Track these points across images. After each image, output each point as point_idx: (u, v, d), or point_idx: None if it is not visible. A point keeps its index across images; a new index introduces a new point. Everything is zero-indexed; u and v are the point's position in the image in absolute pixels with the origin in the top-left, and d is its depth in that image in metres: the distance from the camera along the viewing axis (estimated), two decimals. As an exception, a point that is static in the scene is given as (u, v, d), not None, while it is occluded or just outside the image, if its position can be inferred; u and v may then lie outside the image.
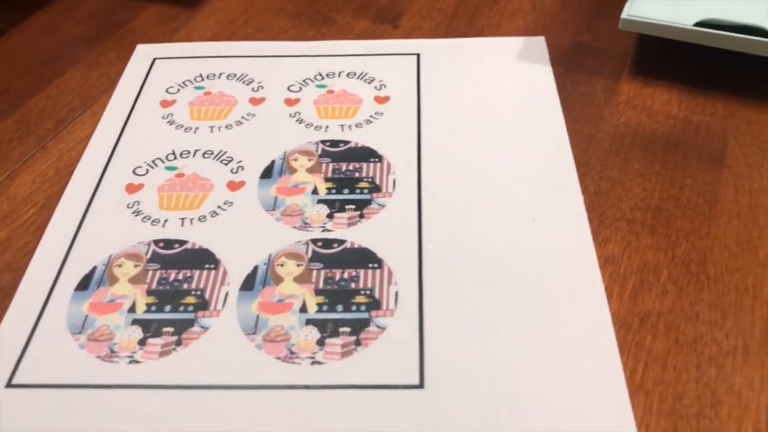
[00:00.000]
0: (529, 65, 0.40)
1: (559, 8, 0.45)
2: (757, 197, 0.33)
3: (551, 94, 0.38)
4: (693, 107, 0.37)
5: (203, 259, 0.31)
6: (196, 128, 0.38)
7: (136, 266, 0.31)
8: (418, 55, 0.41)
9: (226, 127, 0.38)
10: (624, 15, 0.38)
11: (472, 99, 0.38)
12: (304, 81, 0.40)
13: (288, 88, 0.40)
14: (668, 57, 0.40)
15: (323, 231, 0.32)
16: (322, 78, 0.40)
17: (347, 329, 0.28)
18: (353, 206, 0.33)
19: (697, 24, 0.37)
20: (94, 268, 0.31)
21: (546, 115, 0.37)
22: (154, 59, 0.42)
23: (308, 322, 0.28)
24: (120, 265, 0.31)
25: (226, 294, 0.30)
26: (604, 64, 0.40)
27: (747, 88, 0.38)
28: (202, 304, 0.29)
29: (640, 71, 0.40)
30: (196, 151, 0.36)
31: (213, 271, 0.31)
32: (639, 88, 0.39)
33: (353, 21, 0.45)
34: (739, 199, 0.33)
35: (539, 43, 0.42)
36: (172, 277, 0.30)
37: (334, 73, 0.41)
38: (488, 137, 0.36)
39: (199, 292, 0.30)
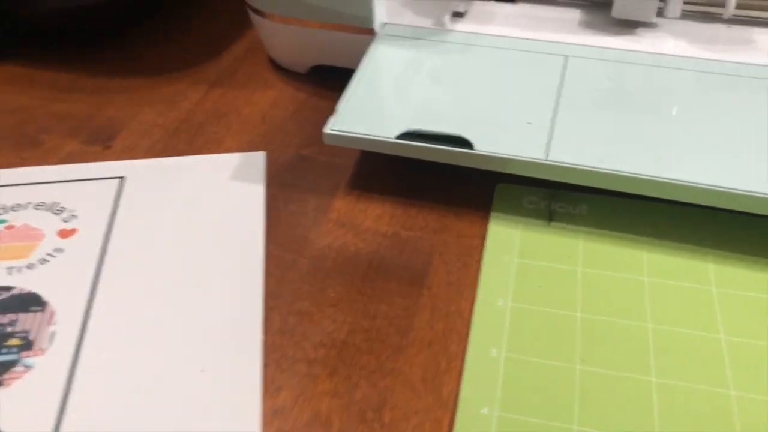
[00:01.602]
0: (242, 184, 0.37)
1: (289, 120, 0.43)
2: (452, 321, 0.30)
3: (258, 216, 0.35)
4: (404, 222, 0.35)
5: None
6: None
7: None
8: (122, 179, 0.38)
9: None
10: (326, 129, 0.36)
11: (170, 227, 0.35)
12: (-18, 217, 0.35)
13: (-39, 227, 0.35)
14: (387, 170, 0.38)
15: (-54, 408, 0.27)
16: (6, 212, 0.36)
17: None
18: (-7, 371, 0.28)
19: (401, 136, 0.35)
20: None
21: (246, 242, 0.34)
22: None
23: None
24: None
25: None
26: (323, 179, 0.38)
27: (459, 199, 0.36)
28: None
29: (358, 185, 0.38)
30: None
31: None
32: (353, 204, 0.36)
33: (63, 143, 0.41)
34: (434, 326, 0.30)
35: (258, 158, 0.39)
36: None
37: (20, 205, 0.36)
38: (175, 273, 0.32)
39: None
